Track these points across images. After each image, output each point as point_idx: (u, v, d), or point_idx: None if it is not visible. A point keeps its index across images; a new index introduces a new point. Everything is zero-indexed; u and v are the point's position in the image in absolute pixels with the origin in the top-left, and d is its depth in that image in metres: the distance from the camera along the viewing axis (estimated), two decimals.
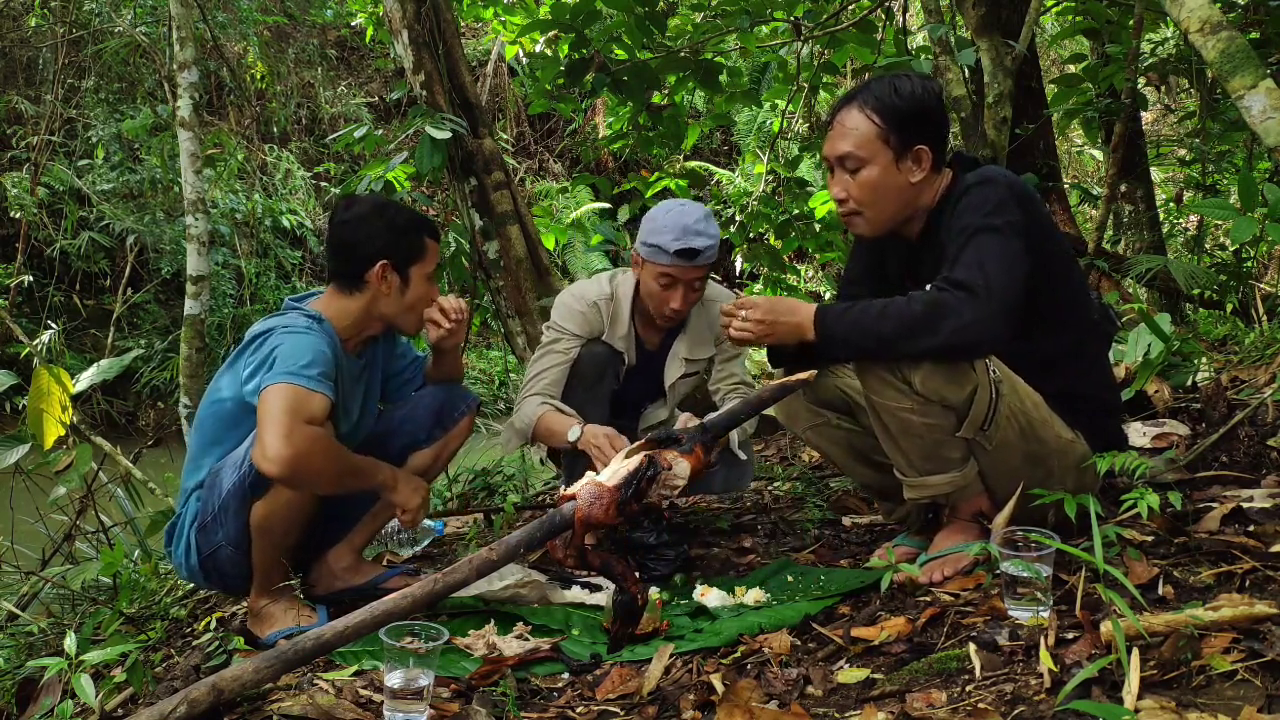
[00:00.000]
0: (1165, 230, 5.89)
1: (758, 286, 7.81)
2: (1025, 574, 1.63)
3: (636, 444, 1.89)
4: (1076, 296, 2.04)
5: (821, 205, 4.98)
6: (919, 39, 5.44)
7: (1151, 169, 5.83)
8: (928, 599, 1.87)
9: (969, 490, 1.99)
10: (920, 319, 1.82)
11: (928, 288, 1.87)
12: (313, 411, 1.93)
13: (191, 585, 2.64)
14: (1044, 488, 1.90)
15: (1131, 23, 4.06)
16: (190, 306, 4.15)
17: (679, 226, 2.40)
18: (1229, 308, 4.40)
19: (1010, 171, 2.00)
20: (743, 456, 2.60)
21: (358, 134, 4.06)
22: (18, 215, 7.76)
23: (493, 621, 2.00)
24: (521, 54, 6.39)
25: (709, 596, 2.11)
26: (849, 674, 1.60)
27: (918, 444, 1.92)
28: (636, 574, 1.95)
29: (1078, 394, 2.02)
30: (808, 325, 1.95)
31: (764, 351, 2.20)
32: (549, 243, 5.06)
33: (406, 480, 2.21)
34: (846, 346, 1.93)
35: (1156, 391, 2.77)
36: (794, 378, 1.95)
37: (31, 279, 7.86)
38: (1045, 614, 1.60)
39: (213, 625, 2.09)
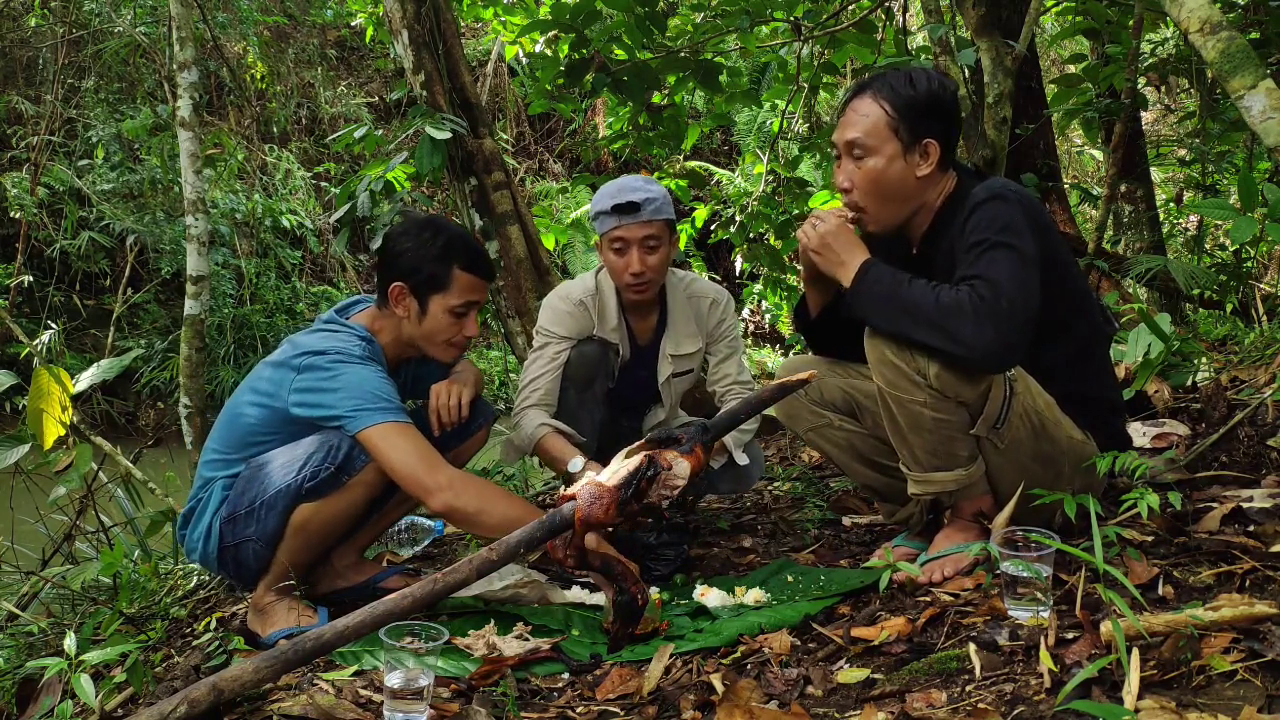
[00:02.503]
0: (1165, 230, 5.89)
1: (758, 287, 7.81)
2: (1025, 574, 1.63)
3: (636, 444, 1.89)
4: (1081, 302, 2.04)
5: (821, 206, 4.98)
6: (919, 39, 5.44)
7: (1151, 169, 5.83)
8: (928, 599, 1.87)
9: (973, 489, 1.98)
10: (941, 315, 1.80)
11: (955, 286, 1.83)
12: (426, 444, 2.02)
13: (192, 585, 2.64)
14: (1054, 488, 1.90)
15: (1131, 23, 4.06)
16: (190, 306, 4.15)
17: (615, 188, 2.44)
18: (1229, 308, 4.40)
19: (1014, 183, 2.00)
20: (744, 461, 2.59)
21: (358, 134, 4.07)
22: (18, 215, 7.76)
23: (493, 621, 2.00)
24: (521, 54, 6.38)
25: (709, 596, 2.10)
26: (849, 674, 1.60)
27: (927, 439, 1.92)
28: (637, 574, 1.96)
29: (1086, 395, 2.02)
30: (850, 271, 1.95)
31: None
32: (549, 243, 5.06)
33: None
34: (870, 307, 1.92)
35: (1156, 391, 2.77)
36: (794, 378, 1.95)
37: (31, 279, 7.87)
38: (1045, 614, 1.60)
39: (213, 625, 2.09)
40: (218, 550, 2.11)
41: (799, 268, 2.29)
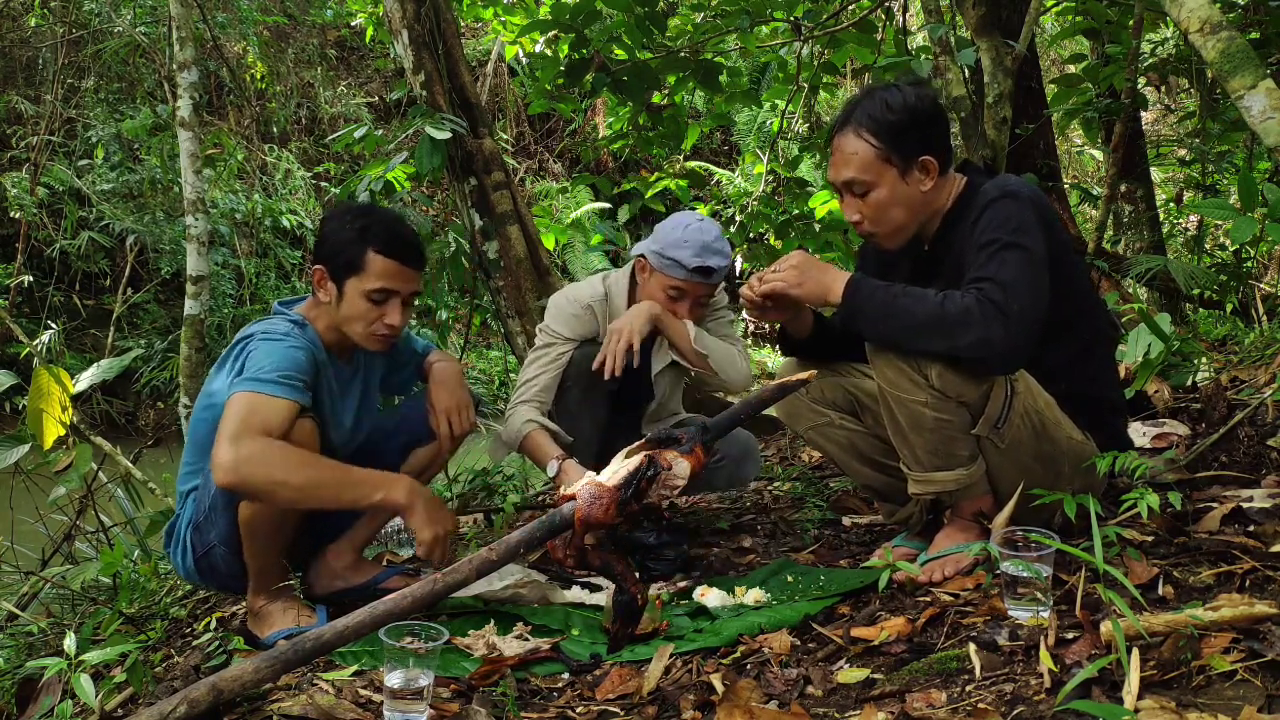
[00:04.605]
0: (1165, 230, 5.89)
1: None
2: (1025, 574, 1.63)
3: (636, 444, 1.89)
4: (1084, 302, 2.05)
5: (821, 205, 4.98)
6: (919, 39, 5.44)
7: (1151, 169, 5.83)
8: (928, 599, 1.87)
9: (974, 489, 1.98)
10: (947, 321, 1.81)
11: (964, 291, 1.84)
12: (267, 417, 1.88)
13: (191, 585, 2.64)
14: (1054, 488, 1.90)
15: (1131, 23, 4.07)
16: (190, 306, 4.14)
17: (699, 244, 2.43)
18: (1229, 308, 4.40)
19: (1024, 181, 2.00)
20: (706, 351, 2.54)
21: (358, 134, 4.07)
22: (18, 215, 7.76)
23: (493, 621, 2.00)
24: (521, 54, 6.40)
25: (709, 596, 2.10)
26: (849, 674, 1.60)
27: (928, 438, 1.92)
28: (636, 574, 1.95)
29: (1086, 395, 2.03)
30: (837, 289, 1.95)
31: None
32: (549, 243, 5.08)
33: (429, 504, 1.99)
34: (866, 323, 1.92)
35: (1156, 391, 2.77)
36: (794, 377, 1.95)
37: (31, 279, 7.86)
38: (1045, 614, 1.60)
39: (213, 625, 2.08)
40: (194, 561, 2.11)
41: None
